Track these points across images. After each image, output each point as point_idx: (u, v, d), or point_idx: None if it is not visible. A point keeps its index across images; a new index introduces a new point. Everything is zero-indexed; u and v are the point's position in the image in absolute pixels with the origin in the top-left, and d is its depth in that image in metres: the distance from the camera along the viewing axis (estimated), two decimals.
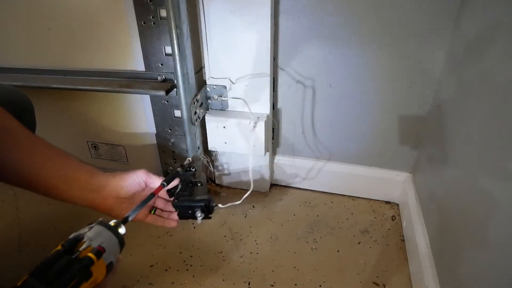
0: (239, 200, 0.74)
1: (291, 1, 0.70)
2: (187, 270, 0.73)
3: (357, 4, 0.67)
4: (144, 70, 0.79)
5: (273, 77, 0.79)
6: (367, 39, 0.70)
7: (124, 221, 0.45)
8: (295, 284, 0.69)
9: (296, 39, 0.74)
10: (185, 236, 0.81)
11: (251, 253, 0.76)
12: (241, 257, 0.76)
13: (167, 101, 0.82)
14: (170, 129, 0.86)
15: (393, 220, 0.85)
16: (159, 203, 0.62)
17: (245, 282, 0.70)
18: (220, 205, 0.67)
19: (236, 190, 0.95)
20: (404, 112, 0.77)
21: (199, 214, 0.61)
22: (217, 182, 0.96)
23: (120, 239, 0.42)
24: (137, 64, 0.79)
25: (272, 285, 0.70)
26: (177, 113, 0.83)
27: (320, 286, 0.69)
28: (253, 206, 0.90)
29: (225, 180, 0.95)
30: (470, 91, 0.57)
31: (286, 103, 0.83)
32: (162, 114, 0.84)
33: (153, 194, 0.54)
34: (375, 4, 0.66)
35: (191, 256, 0.76)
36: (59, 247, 0.38)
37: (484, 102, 0.51)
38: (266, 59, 0.73)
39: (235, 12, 0.69)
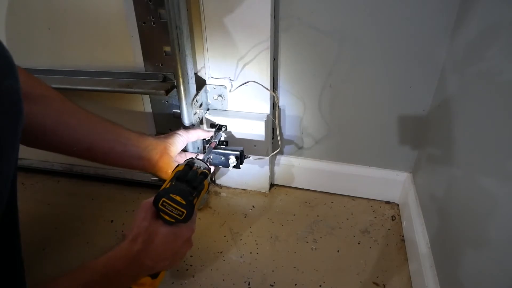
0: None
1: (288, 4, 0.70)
2: (187, 270, 0.73)
3: (355, 3, 0.67)
4: (144, 70, 0.79)
5: (273, 77, 0.79)
6: (366, 39, 0.70)
7: (205, 160, 0.62)
8: (295, 284, 0.70)
9: (296, 39, 0.74)
10: None
11: (251, 253, 0.76)
12: (241, 257, 0.76)
13: (167, 101, 0.82)
14: (170, 129, 0.86)
15: (393, 220, 0.85)
16: None
17: (245, 282, 0.70)
18: (251, 157, 0.79)
19: (236, 190, 0.95)
20: (404, 112, 0.77)
21: (232, 160, 0.71)
22: (217, 182, 0.96)
23: (209, 169, 0.59)
24: (137, 64, 0.79)
25: (272, 285, 0.70)
26: (177, 113, 0.83)
27: (320, 286, 0.69)
28: (253, 206, 0.90)
29: (225, 180, 0.95)
30: (470, 91, 0.57)
31: (286, 103, 0.83)
32: (162, 114, 0.84)
33: (211, 148, 0.70)
34: (374, 3, 0.66)
35: (191, 256, 0.76)
36: (183, 167, 0.54)
37: (485, 102, 0.51)
38: (267, 59, 0.73)
39: (236, 12, 0.69)
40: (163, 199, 0.49)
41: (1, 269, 0.42)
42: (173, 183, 0.51)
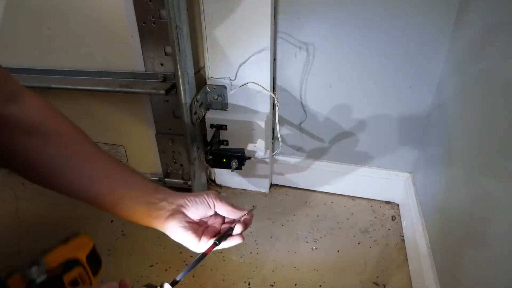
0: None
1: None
2: None
3: (356, 3, 0.67)
4: (144, 70, 0.79)
5: (273, 77, 0.79)
6: (367, 39, 0.70)
7: (173, 283, 0.42)
8: (295, 284, 0.69)
9: (295, 38, 0.74)
10: None
11: (251, 253, 0.76)
12: (241, 257, 0.76)
13: (167, 101, 0.82)
14: (170, 129, 0.86)
15: (393, 220, 0.85)
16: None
17: (245, 282, 0.70)
18: (252, 158, 0.76)
19: (236, 190, 0.95)
20: (404, 112, 0.77)
21: (234, 163, 0.68)
22: (217, 182, 0.96)
23: None
24: (137, 64, 0.79)
25: (272, 285, 0.70)
26: (177, 113, 0.83)
27: (320, 286, 0.69)
28: (253, 206, 0.89)
29: (225, 180, 0.95)
30: (470, 91, 0.57)
31: (286, 103, 0.83)
32: (162, 114, 0.84)
33: (204, 254, 0.49)
34: (375, 3, 0.66)
35: (191, 256, 0.76)
36: None
37: (484, 102, 0.51)
38: (266, 59, 0.73)
39: (236, 12, 0.69)
40: None
41: None
42: None
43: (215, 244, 0.49)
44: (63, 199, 0.94)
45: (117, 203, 0.51)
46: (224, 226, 0.54)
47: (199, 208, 0.53)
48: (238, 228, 0.52)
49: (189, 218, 0.52)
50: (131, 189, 0.52)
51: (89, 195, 0.51)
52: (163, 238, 0.85)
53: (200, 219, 0.54)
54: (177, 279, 0.44)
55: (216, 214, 0.54)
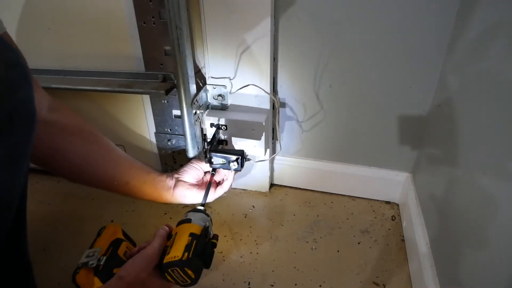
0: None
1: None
2: None
3: (354, 4, 0.67)
4: (144, 70, 0.79)
5: (273, 77, 0.79)
6: (366, 40, 0.70)
7: (203, 205, 0.65)
8: (295, 284, 0.70)
9: (296, 39, 0.74)
10: None
11: (251, 253, 0.76)
12: (241, 257, 0.76)
13: (167, 101, 0.82)
14: (170, 129, 0.86)
15: (393, 220, 0.85)
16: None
17: (245, 282, 0.70)
18: (252, 161, 0.79)
19: (236, 190, 0.95)
20: (404, 112, 0.77)
21: (233, 163, 0.70)
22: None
23: (210, 217, 0.63)
24: (137, 64, 0.79)
25: (272, 285, 0.70)
26: (177, 113, 0.83)
27: (320, 286, 0.69)
28: (253, 206, 0.90)
29: None
30: (470, 91, 0.57)
31: (286, 103, 0.83)
32: (162, 114, 0.84)
33: (210, 183, 0.69)
34: (375, 3, 0.66)
35: None
36: (199, 232, 0.57)
37: (485, 102, 0.51)
38: (267, 60, 0.73)
39: (236, 12, 0.69)
40: (177, 268, 0.50)
41: (10, 267, 0.43)
42: (190, 257, 0.52)
43: (212, 174, 0.72)
44: (63, 199, 0.95)
45: (141, 186, 0.64)
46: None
47: (190, 173, 0.70)
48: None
49: (189, 182, 0.69)
50: (148, 173, 0.65)
51: (122, 182, 0.62)
52: None
53: (197, 181, 0.70)
54: (202, 203, 0.66)
55: (205, 173, 0.73)
